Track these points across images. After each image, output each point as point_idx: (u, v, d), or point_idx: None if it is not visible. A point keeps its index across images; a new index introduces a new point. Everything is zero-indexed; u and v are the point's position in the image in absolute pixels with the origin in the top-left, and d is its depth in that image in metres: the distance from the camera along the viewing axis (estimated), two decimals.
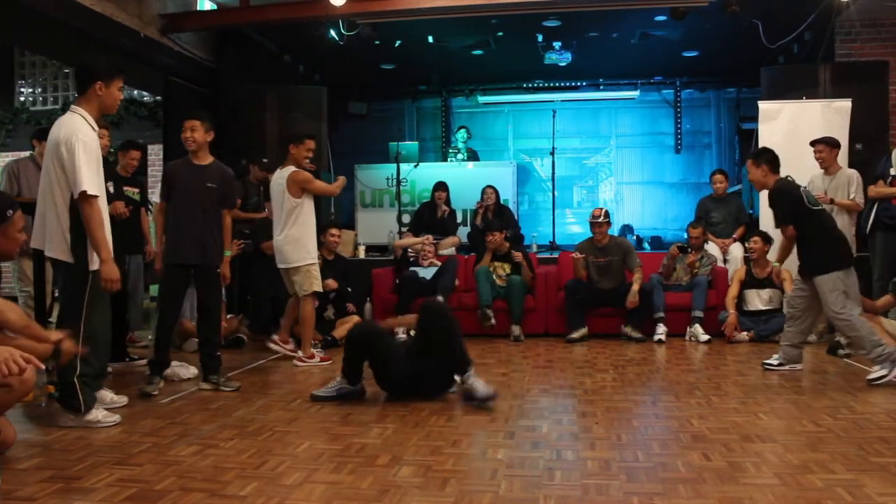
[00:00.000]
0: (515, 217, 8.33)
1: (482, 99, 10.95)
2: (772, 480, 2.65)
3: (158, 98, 9.25)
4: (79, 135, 3.39)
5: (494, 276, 6.41)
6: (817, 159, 5.96)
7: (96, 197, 3.41)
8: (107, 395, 3.88)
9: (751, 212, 7.45)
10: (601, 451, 3.06)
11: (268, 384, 4.56)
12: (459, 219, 8.21)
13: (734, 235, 6.96)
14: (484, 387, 3.89)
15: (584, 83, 10.61)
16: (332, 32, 7.34)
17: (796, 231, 4.51)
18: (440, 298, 6.19)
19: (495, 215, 7.61)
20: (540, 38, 8.50)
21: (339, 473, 2.80)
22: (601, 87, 10.72)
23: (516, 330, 6.28)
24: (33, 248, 3.58)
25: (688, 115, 10.77)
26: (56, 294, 5.10)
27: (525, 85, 10.73)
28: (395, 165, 8.39)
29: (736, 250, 6.81)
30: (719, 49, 8.70)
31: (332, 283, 5.99)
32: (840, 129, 6.40)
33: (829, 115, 6.52)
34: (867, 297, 5.33)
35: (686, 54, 9.12)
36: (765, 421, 3.53)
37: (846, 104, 6.56)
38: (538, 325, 6.44)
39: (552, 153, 8.71)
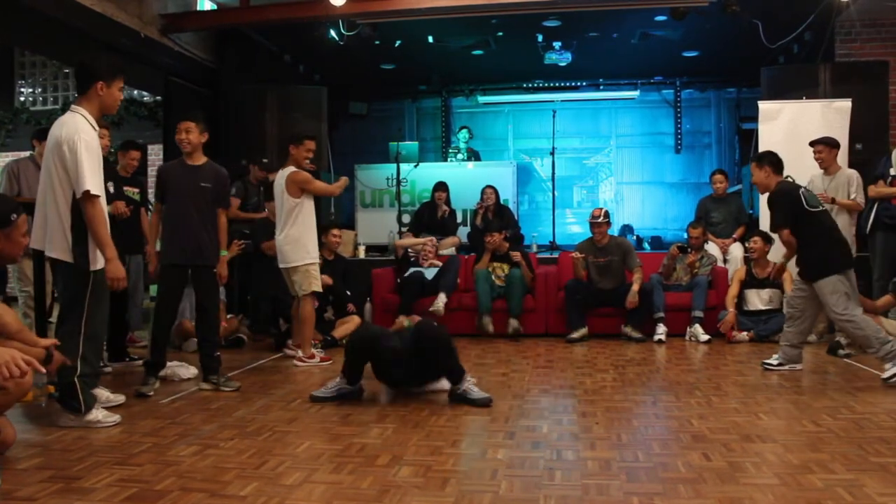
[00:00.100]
0: (515, 217, 8.32)
1: (482, 99, 10.95)
2: (772, 480, 2.65)
3: (158, 98, 9.27)
4: (81, 134, 3.39)
5: (493, 277, 6.41)
6: (817, 160, 5.95)
7: (99, 196, 3.42)
8: (102, 393, 3.87)
9: (751, 212, 7.46)
10: (601, 451, 3.06)
11: (268, 384, 4.56)
12: (459, 219, 8.20)
13: (734, 235, 6.96)
14: (478, 392, 3.92)
15: (584, 83, 10.61)
16: (332, 32, 7.34)
17: (795, 233, 4.49)
18: (439, 303, 6.22)
19: (495, 215, 7.61)
20: (540, 38, 8.50)
21: (339, 473, 2.80)
22: (601, 87, 10.73)
23: (514, 323, 6.24)
24: (33, 248, 3.57)
25: (688, 115, 10.78)
26: (56, 294, 5.09)
27: (525, 85, 10.73)
28: (395, 165, 8.38)
29: (736, 250, 6.81)
30: (719, 49, 8.70)
31: (327, 279, 5.98)
32: (840, 129, 6.40)
33: (829, 115, 6.52)
34: (867, 297, 5.34)
35: (686, 54, 9.12)
36: (765, 421, 3.53)
37: (846, 104, 6.56)
38: (538, 325, 6.44)
39: (552, 153, 8.71)
